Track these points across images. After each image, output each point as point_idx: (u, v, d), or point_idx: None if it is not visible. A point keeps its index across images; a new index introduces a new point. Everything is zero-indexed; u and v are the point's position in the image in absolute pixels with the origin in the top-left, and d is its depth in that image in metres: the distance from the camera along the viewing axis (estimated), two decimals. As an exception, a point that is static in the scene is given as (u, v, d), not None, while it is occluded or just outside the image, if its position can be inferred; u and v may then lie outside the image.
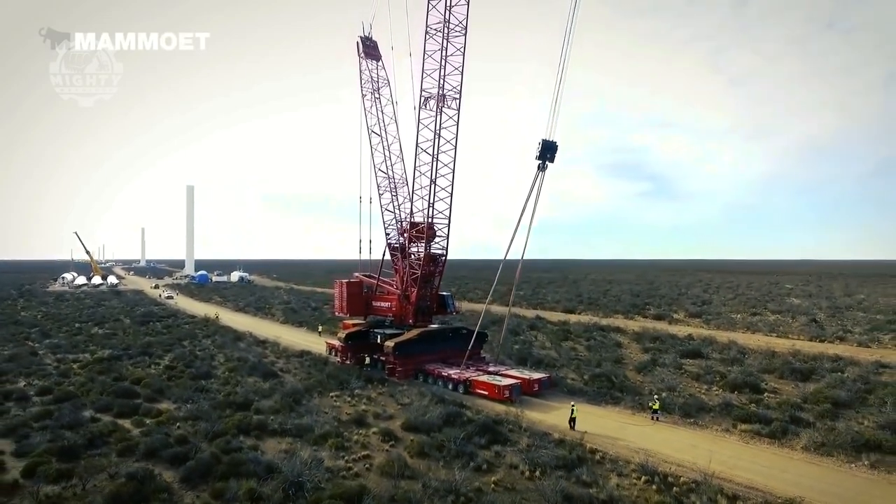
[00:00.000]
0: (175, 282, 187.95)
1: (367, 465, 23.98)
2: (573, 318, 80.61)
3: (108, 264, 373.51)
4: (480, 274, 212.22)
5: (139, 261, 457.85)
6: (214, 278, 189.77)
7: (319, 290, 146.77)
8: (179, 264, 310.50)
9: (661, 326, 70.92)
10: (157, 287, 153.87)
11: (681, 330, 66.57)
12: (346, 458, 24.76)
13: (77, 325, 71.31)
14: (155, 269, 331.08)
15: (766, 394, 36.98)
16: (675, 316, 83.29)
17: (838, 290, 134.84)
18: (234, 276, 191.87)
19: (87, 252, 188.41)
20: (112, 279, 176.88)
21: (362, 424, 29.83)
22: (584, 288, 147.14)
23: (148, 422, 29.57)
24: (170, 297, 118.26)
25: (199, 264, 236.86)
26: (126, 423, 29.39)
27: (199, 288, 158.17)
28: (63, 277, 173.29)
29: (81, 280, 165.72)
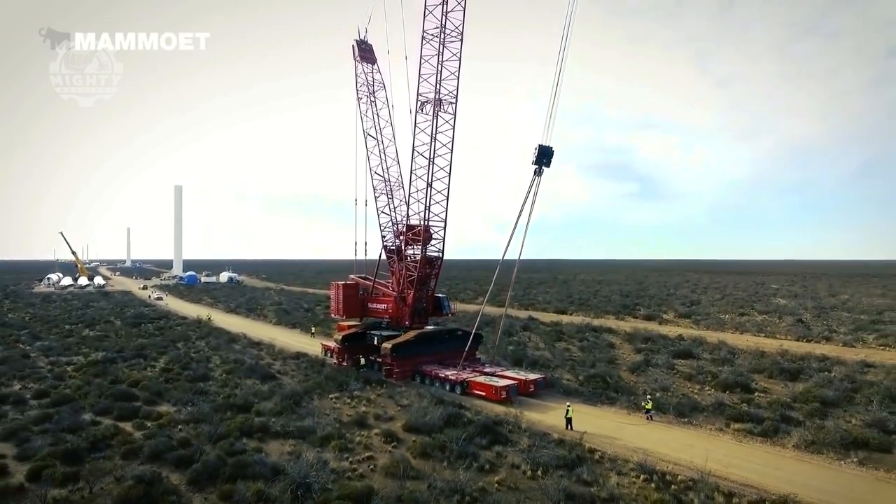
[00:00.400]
0: (163, 282, 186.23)
1: (371, 467, 24.31)
2: (565, 318, 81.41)
3: (92, 264, 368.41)
4: (471, 274, 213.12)
5: (124, 261, 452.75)
6: (203, 279, 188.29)
7: (310, 290, 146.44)
8: (166, 264, 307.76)
9: (652, 327, 71.96)
10: (145, 288, 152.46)
11: (671, 330, 67.61)
12: (349, 459, 25.07)
13: (67, 326, 70.65)
14: (141, 270, 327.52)
15: (756, 393, 37.87)
16: (665, 316, 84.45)
17: (823, 291, 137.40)
18: (224, 276, 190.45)
19: (73, 252, 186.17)
20: (99, 280, 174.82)
21: (363, 426, 30.15)
22: (574, 288, 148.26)
23: (149, 425, 29.66)
24: (159, 299, 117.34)
25: (187, 265, 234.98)
26: (127, 426, 29.44)
27: (188, 289, 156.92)
28: (48, 278, 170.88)
29: (67, 281, 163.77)
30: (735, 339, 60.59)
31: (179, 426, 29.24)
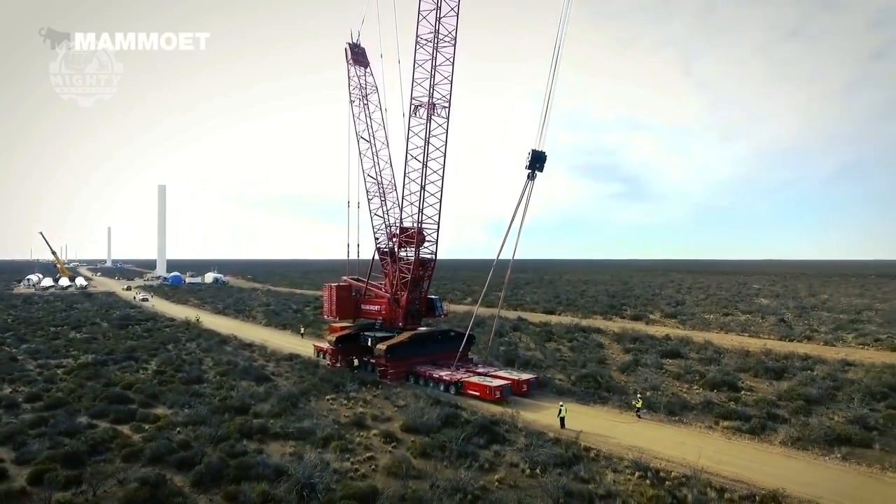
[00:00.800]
0: (147, 283, 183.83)
1: (372, 467, 24.69)
2: (554, 318, 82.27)
3: (71, 264, 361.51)
4: (458, 275, 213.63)
5: (105, 261, 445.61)
6: (188, 279, 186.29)
7: (298, 291, 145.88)
8: (148, 264, 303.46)
9: (639, 327, 73.16)
10: (129, 289, 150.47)
11: (658, 330, 68.79)
12: (351, 459, 25.41)
13: (52, 328, 69.67)
14: (122, 270, 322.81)
15: (743, 392, 38.99)
16: (652, 316, 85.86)
17: (803, 291, 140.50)
18: (209, 277, 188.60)
19: (53, 252, 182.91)
20: (81, 280, 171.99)
21: (362, 427, 30.48)
22: (560, 289, 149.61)
23: (147, 427, 29.67)
24: (145, 300, 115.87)
25: (172, 265, 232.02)
26: (125, 429, 29.43)
27: (172, 290, 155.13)
28: (28, 279, 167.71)
29: (48, 282, 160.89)
30: (720, 339, 61.95)
31: (178, 428, 29.28)
